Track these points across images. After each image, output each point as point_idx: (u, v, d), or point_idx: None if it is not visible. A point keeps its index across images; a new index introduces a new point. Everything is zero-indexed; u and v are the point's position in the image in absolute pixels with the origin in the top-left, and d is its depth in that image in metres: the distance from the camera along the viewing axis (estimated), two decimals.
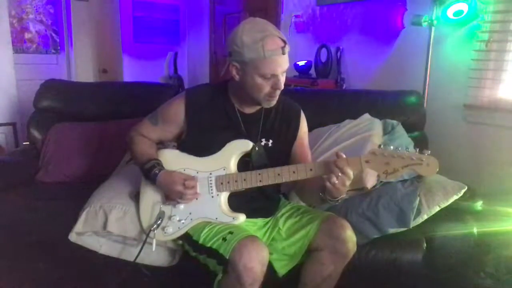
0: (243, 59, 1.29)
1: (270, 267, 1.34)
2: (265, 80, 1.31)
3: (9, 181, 1.97)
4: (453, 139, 2.50)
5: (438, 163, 1.21)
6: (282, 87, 1.34)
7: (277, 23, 3.73)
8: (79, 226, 1.57)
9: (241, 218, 1.39)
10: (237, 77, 1.35)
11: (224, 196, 1.41)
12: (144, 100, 2.25)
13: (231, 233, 1.31)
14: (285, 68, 1.32)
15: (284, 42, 1.30)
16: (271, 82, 1.32)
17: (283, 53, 1.29)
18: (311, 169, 1.31)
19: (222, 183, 1.40)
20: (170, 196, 1.43)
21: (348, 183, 1.25)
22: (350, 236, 1.35)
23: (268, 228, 1.49)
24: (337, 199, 1.31)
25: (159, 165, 1.44)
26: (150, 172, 1.42)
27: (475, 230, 1.60)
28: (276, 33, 1.29)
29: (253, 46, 1.27)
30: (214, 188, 1.41)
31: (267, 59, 1.27)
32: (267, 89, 1.33)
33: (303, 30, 3.53)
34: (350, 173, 1.24)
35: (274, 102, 1.40)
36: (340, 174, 1.23)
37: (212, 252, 1.31)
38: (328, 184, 1.25)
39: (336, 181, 1.23)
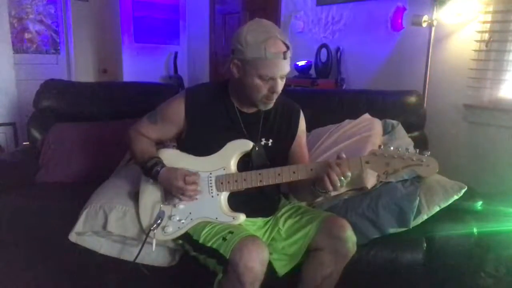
0: (245, 57, 1.29)
1: (270, 267, 1.33)
2: (263, 81, 1.31)
3: (9, 181, 1.97)
4: (453, 139, 2.50)
5: (438, 163, 1.22)
6: (279, 91, 1.35)
7: (277, 23, 3.72)
8: (79, 226, 1.57)
9: (241, 217, 1.39)
10: (237, 75, 1.35)
11: (224, 196, 1.41)
12: (144, 100, 2.25)
13: (231, 232, 1.31)
14: (285, 73, 1.33)
15: (287, 47, 1.30)
16: (269, 85, 1.32)
17: (284, 58, 1.29)
18: (311, 169, 1.31)
19: (222, 183, 1.40)
20: (171, 193, 1.43)
21: (345, 183, 1.27)
22: (350, 236, 1.35)
23: (268, 228, 1.49)
24: (327, 192, 1.32)
25: (161, 162, 1.44)
26: (152, 169, 1.42)
27: (475, 230, 1.59)
28: (280, 37, 1.30)
29: (255, 46, 1.27)
30: (214, 188, 1.41)
31: (267, 61, 1.27)
32: (264, 91, 1.33)
33: (303, 30, 3.52)
34: (349, 174, 1.26)
35: (270, 105, 1.40)
36: (340, 175, 1.24)
37: (212, 252, 1.31)
38: (328, 184, 1.25)
39: (337, 182, 1.24)
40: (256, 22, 1.34)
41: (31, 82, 2.73)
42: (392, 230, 1.60)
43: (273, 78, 1.31)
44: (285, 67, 1.32)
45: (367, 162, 1.26)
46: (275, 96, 1.37)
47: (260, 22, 1.33)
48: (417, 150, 1.24)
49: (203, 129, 1.45)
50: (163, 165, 1.43)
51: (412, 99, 2.11)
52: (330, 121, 2.05)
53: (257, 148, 1.42)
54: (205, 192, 1.42)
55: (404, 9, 2.70)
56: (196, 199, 1.42)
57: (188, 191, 1.39)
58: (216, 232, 1.35)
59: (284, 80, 1.35)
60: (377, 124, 1.94)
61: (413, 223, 1.59)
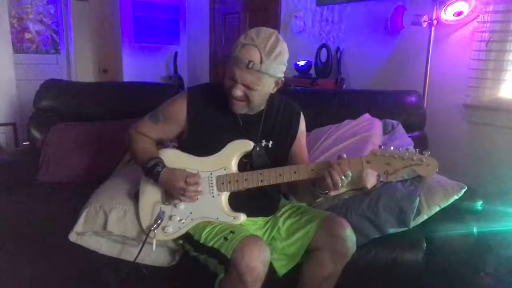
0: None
1: (270, 267, 1.33)
2: (229, 80, 1.32)
3: (9, 181, 1.97)
4: (453, 139, 2.50)
5: (438, 163, 1.22)
6: (235, 96, 1.33)
7: (277, 23, 3.73)
8: (79, 226, 1.57)
9: (242, 217, 1.39)
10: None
11: (224, 196, 1.41)
12: (144, 100, 2.25)
13: (232, 232, 1.31)
14: (247, 82, 1.30)
15: (260, 61, 1.26)
16: (232, 86, 1.32)
17: (248, 67, 1.26)
18: (312, 170, 1.31)
19: (223, 183, 1.40)
20: (172, 194, 1.43)
21: (346, 183, 1.27)
22: (349, 235, 1.36)
23: (268, 228, 1.49)
24: (327, 192, 1.33)
25: (161, 163, 1.43)
26: (153, 170, 1.42)
27: (475, 230, 1.60)
28: (261, 49, 1.26)
29: (237, 44, 1.29)
30: (215, 188, 1.41)
31: (233, 59, 1.29)
32: (228, 91, 1.34)
33: (303, 30, 3.52)
34: (350, 174, 1.26)
35: (235, 109, 1.39)
36: (341, 174, 1.25)
37: (214, 252, 1.32)
38: (329, 183, 1.26)
39: (339, 181, 1.25)
40: (258, 28, 1.33)
41: (31, 82, 2.74)
42: (392, 230, 1.60)
43: (234, 80, 1.30)
44: (245, 76, 1.28)
45: (368, 162, 1.27)
46: (235, 100, 1.35)
47: (260, 28, 1.32)
48: (417, 150, 1.25)
49: (204, 129, 1.45)
50: (163, 166, 1.43)
51: (412, 99, 2.11)
52: (330, 121, 2.05)
53: (257, 148, 1.42)
54: (206, 192, 1.42)
55: (404, 9, 2.70)
56: (197, 199, 1.42)
57: (189, 191, 1.38)
58: (217, 232, 1.35)
59: (254, 93, 1.32)
60: (377, 124, 1.94)
61: (413, 223, 1.60)
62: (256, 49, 1.27)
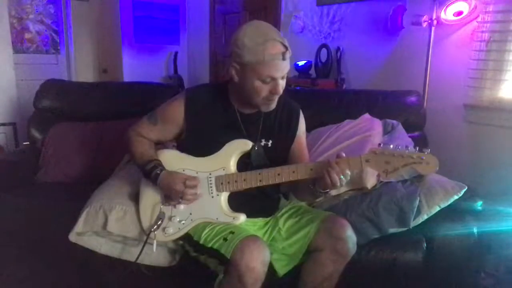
0: (243, 61, 1.29)
1: (270, 267, 1.33)
2: (264, 83, 1.31)
3: (9, 181, 1.97)
4: (453, 139, 2.50)
5: (438, 161, 1.22)
6: (281, 92, 1.34)
7: (277, 23, 3.73)
8: (79, 226, 1.57)
9: (242, 218, 1.39)
10: (236, 78, 1.35)
11: (224, 196, 1.41)
12: (144, 100, 2.25)
13: (232, 233, 1.31)
14: (285, 73, 1.32)
15: (286, 47, 1.29)
16: (270, 86, 1.32)
17: (283, 59, 1.29)
18: (311, 169, 1.31)
19: (222, 183, 1.40)
20: (171, 196, 1.43)
21: (345, 182, 1.27)
22: (350, 236, 1.36)
23: (268, 228, 1.49)
24: (327, 191, 1.33)
25: (160, 165, 1.43)
26: (151, 173, 1.42)
27: (475, 230, 1.59)
28: (278, 38, 1.29)
29: (253, 49, 1.27)
30: (214, 188, 1.41)
31: (266, 63, 1.27)
32: (265, 92, 1.33)
33: (303, 30, 3.52)
34: (349, 173, 1.26)
35: (272, 106, 1.40)
36: (340, 173, 1.25)
37: (213, 252, 1.31)
38: (328, 182, 1.25)
39: (337, 181, 1.24)
40: (253, 24, 1.33)
41: (31, 82, 2.74)
42: (392, 230, 1.60)
43: (274, 79, 1.30)
44: (285, 68, 1.31)
45: (367, 161, 1.26)
46: (276, 97, 1.36)
47: (256, 24, 1.33)
48: (417, 148, 1.24)
49: (203, 130, 1.45)
50: (162, 168, 1.43)
51: (412, 99, 2.11)
52: (330, 121, 2.05)
53: (256, 148, 1.42)
54: (205, 192, 1.42)
55: (404, 8, 2.70)
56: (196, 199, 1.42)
57: (187, 194, 1.39)
58: (217, 233, 1.35)
59: (285, 80, 1.35)
60: (377, 124, 1.94)
61: (413, 223, 1.59)
62: (276, 41, 1.28)
